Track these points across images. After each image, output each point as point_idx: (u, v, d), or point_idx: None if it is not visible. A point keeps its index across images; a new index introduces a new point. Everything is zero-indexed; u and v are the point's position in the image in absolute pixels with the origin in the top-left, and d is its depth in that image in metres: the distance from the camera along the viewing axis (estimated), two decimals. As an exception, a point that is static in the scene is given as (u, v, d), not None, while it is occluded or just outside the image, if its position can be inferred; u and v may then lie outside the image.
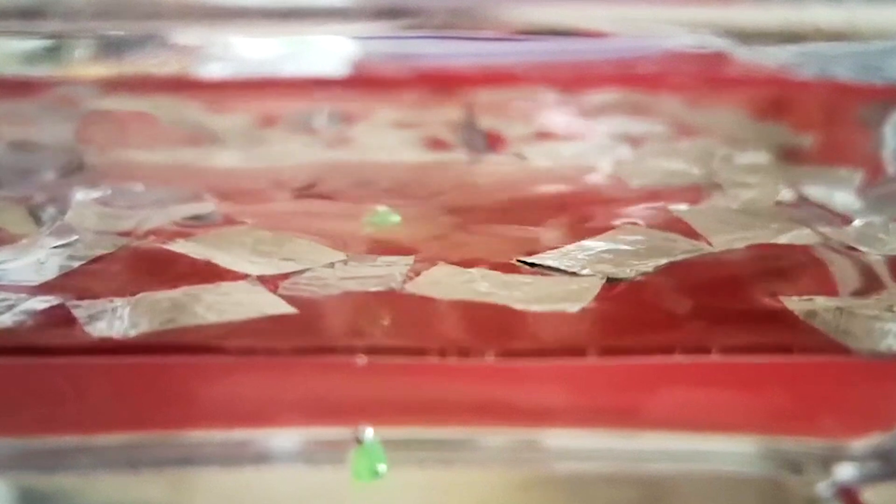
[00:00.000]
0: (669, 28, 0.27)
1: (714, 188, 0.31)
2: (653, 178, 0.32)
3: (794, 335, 0.23)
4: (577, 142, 0.35)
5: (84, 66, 0.31)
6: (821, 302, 0.23)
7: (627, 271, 0.25)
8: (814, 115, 0.34)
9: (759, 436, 0.22)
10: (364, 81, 0.33)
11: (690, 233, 0.27)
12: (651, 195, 0.31)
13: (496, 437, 0.22)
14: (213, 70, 0.32)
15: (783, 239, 0.27)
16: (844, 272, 0.26)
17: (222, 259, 0.25)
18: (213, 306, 0.23)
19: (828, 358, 0.23)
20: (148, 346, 0.22)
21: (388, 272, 0.24)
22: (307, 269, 0.25)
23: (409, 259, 0.25)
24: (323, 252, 0.26)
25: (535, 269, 0.25)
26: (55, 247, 0.26)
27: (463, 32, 0.27)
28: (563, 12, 0.26)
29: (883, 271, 0.25)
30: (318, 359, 0.22)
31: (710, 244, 0.26)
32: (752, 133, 0.34)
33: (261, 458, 0.22)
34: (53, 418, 0.22)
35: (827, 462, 0.22)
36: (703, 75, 0.32)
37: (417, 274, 0.24)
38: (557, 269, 0.25)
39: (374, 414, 0.22)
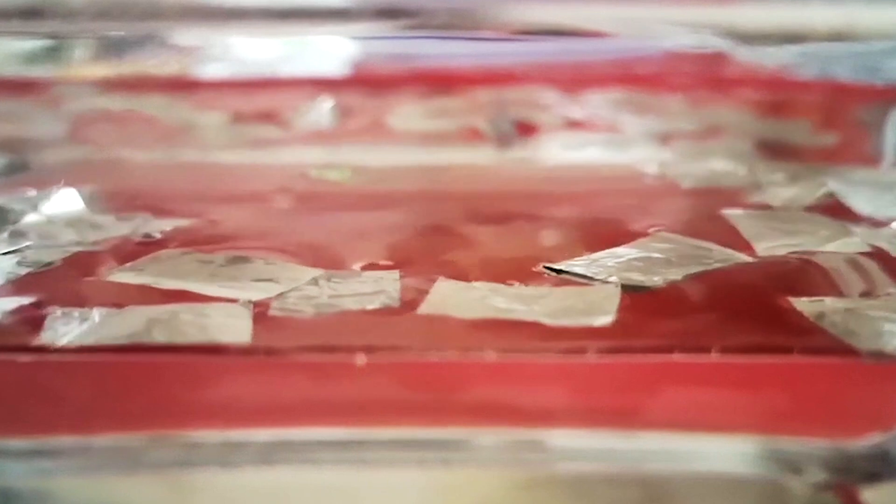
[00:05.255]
0: (669, 28, 0.27)
1: (753, 188, 0.31)
2: (689, 180, 0.32)
3: (794, 335, 0.23)
4: (589, 140, 0.35)
5: (84, 66, 0.31)
6: (829, 303, 0.23)
7: (655, 279, 0.24)
8: (836, 114, 0.34)
9: (759, 436, 0.22)
10: (364, 81, 0.33)
11: (729, 240, 0.27)
12: (686, 196, 0.31)
13: (496, 437, 0.22)
14: (213, 70, 0.32)
15: (830, 247, 0.27)
16: (850, 275, 0.25)
17: (187, 285, 0.24)
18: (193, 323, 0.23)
19: (828, 358, 0.23)
20: (147, 346, 0.22)
21: (379, 287, 0.24)
22: (292, 289, 0.24)
23: (395, 274, 0.25)
24: (297, 270, 0.25)
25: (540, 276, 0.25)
26: (4, 253, 0.26)
27: (463, 32, 0.27)
28: (563, 12, 0.26)
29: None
30: (318, 359, 0.22)
31: (750, 251, 0.26)
32: (781, 132, 0.34)
33: (261, 458, 0.22)
34: (53, 418, 0.22)
35: (827, 462, 0.22)
36: (702, 76, 0.32)
37: (425, 292, 0.24)
38: (585, 277, 0.25)
39: (374, 414, 0.22)
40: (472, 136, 0.34)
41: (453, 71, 0.34)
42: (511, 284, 0.24)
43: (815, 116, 0.34)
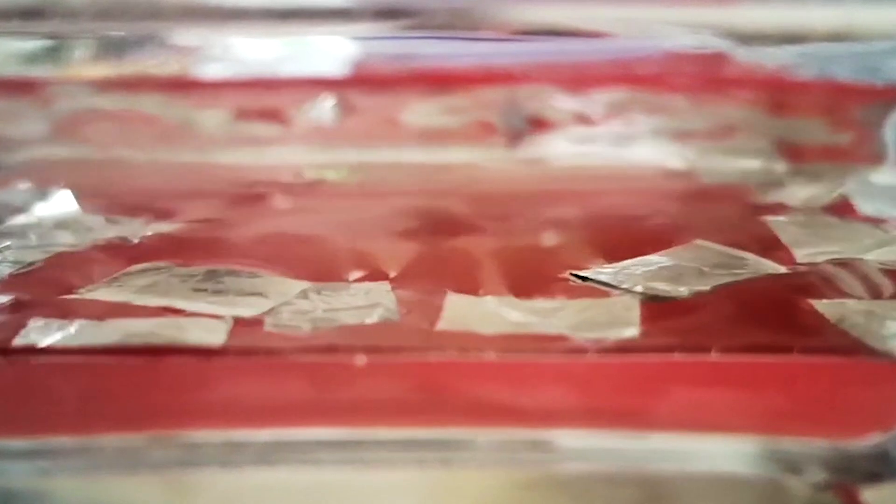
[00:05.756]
0: (669, 28, 0.27)
1: (772, 187, 0.31)
2: (708, 179, 0.31)
3: (795, 336, 0.23)
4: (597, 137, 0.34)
5: (84, 66, 0.31)
6: (851, 305, 0.23)
7: (681, 290, 0.24)
8: (838, 114, 0.33)
9: (759, 436, 0.22)
10: (364, 81, 0.33)
11: (768, 247, 0.26)
12: (712, 198, 0.30)
13: (496, 437, 0.22)
14: (213, 70, 0.32)
15: (872, 255, 0.26)
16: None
17: (172, 302, 0.24)
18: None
19: (828, 358, 0.23)
20: (147, 347, 0.22)
21: (372, 300, 0.24)
22: (283, 304, 0.24)
23: (386, 285, 0.24)
24: (285, 283, 0.25)
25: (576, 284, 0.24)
26: None
27: (463, 32, 0.27)
28: (563, 12, 0.26)
29: None
30: (318, 359, 0.22)
31: (790, 259, 0.26)
32: (789, 131, 0.34)
33: (261, 458, 0.22)
34: (53, 418, 0.22)
35: (827, 462, 0.22)
36: (702, 76, 0.32)
37: (423, 304, 0.24)
38: (609, 285, 0.24)
39: (374, 414, 0.22)
40: (474, 136, 0.34)
41: (453, 71, 0.33)
42: (523, 297, 0.24)
43: (818, 116, 0.34)
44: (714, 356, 0.22)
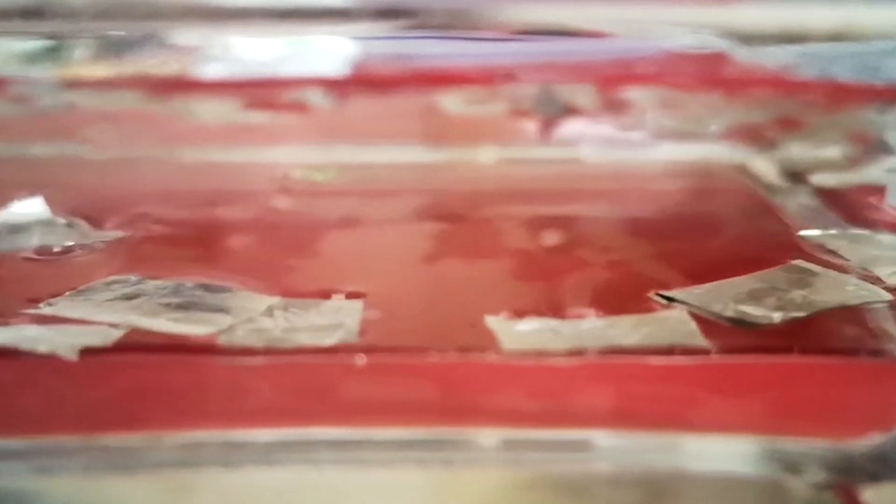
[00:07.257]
0: (670, 28, 0.27)
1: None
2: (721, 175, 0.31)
3: (797, 337, 0.23)
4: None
5: (84, 65, 0.31)
6: None
7: (774, 316, 0.23)
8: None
9: (759, 436, 0.22)
10: (364, 81, 0.33)
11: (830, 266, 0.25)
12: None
13: (496, 438, 0.22)
14: (212, 70, 0.32)
15: None
16: None
17: (128, 318, 0.23)
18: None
19: (828, 359, 0.23)
20: (147, 347, 0.22)
21: (337, 320, 0.23)
22: (244, 321, 0.23)
23: (359, 304, 0.24)
24: (252, 298, 0.24)
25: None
26: None
27: (463, 32, 0.27)
28: (563, 12, 0.26)
29: None
30: (319, 359, 0.22)
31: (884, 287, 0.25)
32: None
33: (261, 458, 0.22)
34: (53, 418, 0.22)
35: (827, 462, 0.22)
36: (702, 76, 0.32)
37: (487, 332, 0.23)
38: (697, 307, 0.23)
39: (374, 414, 0.22)
40: (475, 136, 0.34)
41: (453, 71, 0.33)
42: (558, 316, 0.23)
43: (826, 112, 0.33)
44: (714, 357, 0.22)
